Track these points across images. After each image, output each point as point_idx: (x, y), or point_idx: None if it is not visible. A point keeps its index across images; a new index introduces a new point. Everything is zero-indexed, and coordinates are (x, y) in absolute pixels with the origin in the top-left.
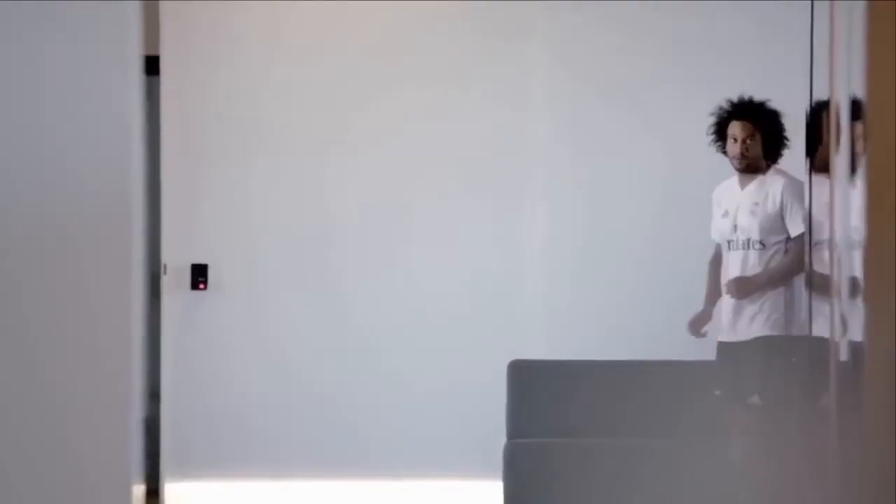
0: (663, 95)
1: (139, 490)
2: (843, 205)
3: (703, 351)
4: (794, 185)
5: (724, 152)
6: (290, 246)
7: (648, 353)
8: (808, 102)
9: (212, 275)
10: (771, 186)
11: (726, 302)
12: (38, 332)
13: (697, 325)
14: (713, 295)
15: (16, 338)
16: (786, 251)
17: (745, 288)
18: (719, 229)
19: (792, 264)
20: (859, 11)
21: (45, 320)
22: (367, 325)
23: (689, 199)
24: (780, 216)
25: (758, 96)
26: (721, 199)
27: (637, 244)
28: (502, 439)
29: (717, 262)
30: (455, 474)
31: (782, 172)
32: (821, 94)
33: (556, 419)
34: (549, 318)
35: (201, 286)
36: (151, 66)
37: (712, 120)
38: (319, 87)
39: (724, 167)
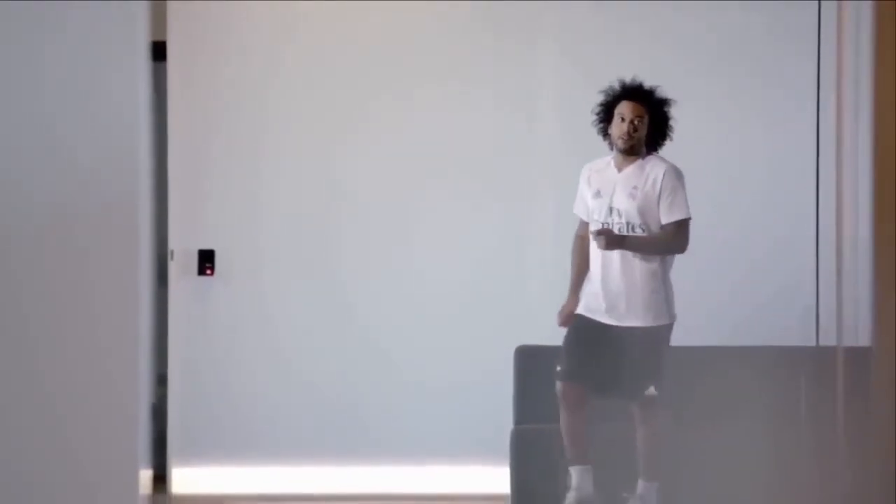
0: (669, 94)
1: (146, 475)
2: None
3: (705, 337)
4: (675, 172)
5: (606, 134)
6: (297, 233)
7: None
8: (815, 99)
9: (219, 260)
10: (652, 171)
11: (607, 281)
12: (45, 318)
13: (567, 316)
14: (579, 278)
15: (23, 324)
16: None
17: (615, 241)
18: (591, 209)
19: (662, 242)
20: (866, 12)
21: (53, 306)
22: (372, 313)
23: (691, 196)
24: (658, 201)
25: (767, 95)
26: (592, 179)
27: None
28: (509, 426)
29: (583, 239)
30: (462, 460)
31: (662, 158)
32: (827, 92)
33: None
34: (553, 312)
35: (208, 272)
36: (158, 51)
37: (600, 99)
38: (328, 75)
39: (726, 164)
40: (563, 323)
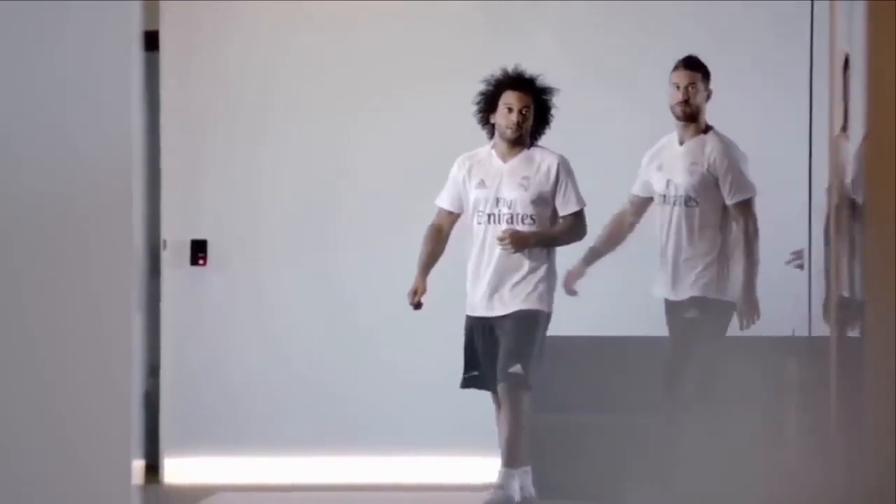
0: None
1: (138, 465)
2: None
3: None
4: (566, 163)
5: (488, 123)
6: (290, 223)
7: (640, 331)
8: (807, 96)
9: (211, 250)
10: (543, 162)
11: (493, 272)
12: (36, 310)
13: (419, 295)
14: (431, 260)
15: (14, 315)
16: (552, 226)
17: (521, 241)
18: (475, 200)
19: (564, 234)
20: (859, 12)
21: (44, 297)
22: (365, 304)
23: None
24: (553, 192)
25: (761, 90)
26: (474, 170)
27: (634, 231)
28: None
29: (439, 230)
30: (456, 450)
31: (547, 149)
32: (820, 88)
33: (552, 395)
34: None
35: (201, 262)
36: (150, 41)
37: (482, 88)
38: (324, 65)
39: None
40: (415, 303)
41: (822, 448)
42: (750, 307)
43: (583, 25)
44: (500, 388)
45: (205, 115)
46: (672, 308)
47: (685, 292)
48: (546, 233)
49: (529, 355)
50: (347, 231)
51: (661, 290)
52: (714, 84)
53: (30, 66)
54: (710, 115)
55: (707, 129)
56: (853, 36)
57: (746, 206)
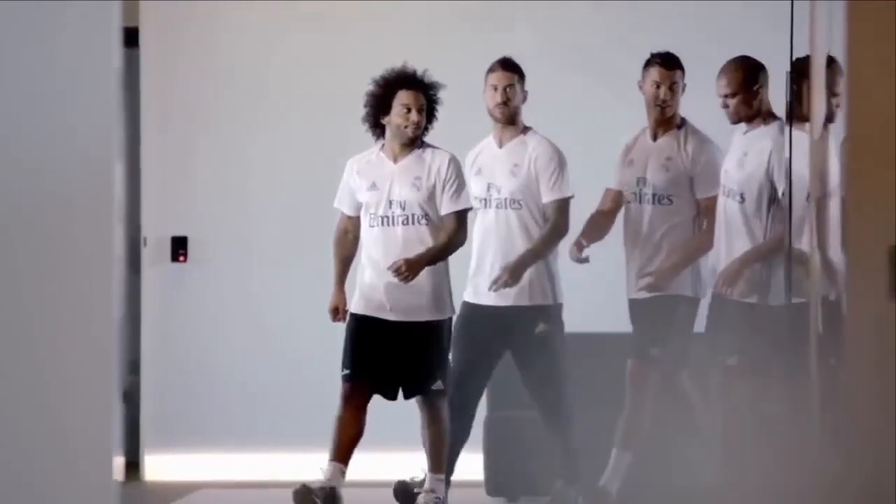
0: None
1: (118, 461)
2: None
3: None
4: (456, 160)
5: (377, 123)
6: (271, 219)
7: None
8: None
9: (192, 247)
10: (433, 160)
11: (376, 281)
12: (15, 307)
13: (340, 313)
14: (344, 271)
15: None
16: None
17: (416, 268)
18: (366, 203)
19: (451, 242)
20: (838, 12)
21: (23, 294)
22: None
23: None
24: (442, 191)
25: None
26: (363, 171)
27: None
28: (482, 413)
29: (345, 232)
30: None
31: (440, 148)
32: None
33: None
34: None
35: (181, 258)
36: (130, 38)
37: (371, 89)
38: (305, 59)
39: None
40: (337, 319)
41: (801, 447)
42: (508, 274)
43: (582, 25)
44: (422, 401)
45: (185, 112)
46: (496, 314)
47: (510, 298)
48: (436, 248)
49: (446, 366)
50: (329, 227)
51: (478, 296)
52: (691, 80)
53: (3, 63)
54: (687, 110)
55: (525, 129)
56: (833, 35)
57: (559, 207)
